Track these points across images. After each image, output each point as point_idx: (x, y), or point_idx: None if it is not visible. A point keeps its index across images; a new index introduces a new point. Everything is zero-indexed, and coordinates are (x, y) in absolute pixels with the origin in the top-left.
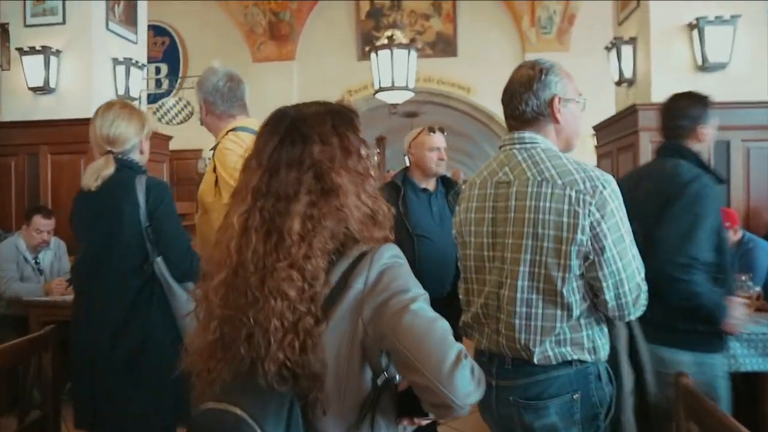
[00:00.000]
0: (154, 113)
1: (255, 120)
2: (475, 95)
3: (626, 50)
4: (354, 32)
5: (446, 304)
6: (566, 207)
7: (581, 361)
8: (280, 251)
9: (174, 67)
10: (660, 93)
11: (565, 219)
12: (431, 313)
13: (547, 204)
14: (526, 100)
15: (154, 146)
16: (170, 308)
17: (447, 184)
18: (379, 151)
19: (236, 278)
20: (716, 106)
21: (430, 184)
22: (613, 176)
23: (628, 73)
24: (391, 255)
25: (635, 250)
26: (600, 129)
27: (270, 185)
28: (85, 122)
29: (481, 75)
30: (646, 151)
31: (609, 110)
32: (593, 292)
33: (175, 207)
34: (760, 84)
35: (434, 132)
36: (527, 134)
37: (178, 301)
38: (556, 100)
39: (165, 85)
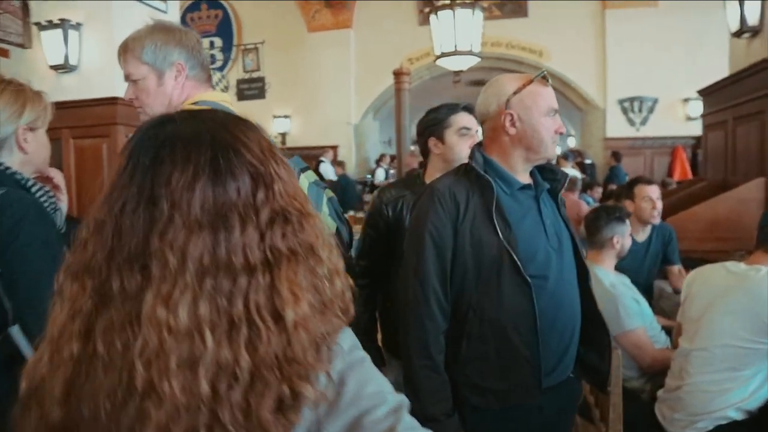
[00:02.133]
0: None
1: (225, 95)
2: (548, 59)
3: None
4: None
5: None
6: None
7: None
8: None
9: (228, 40)
10: None
11: None
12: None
13: None
14: None
15: None
16: None
17: (546, 174)
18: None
19: None
20: None
21: (526, 176)
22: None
23: (753, 20)
24: (351, 346)
25: None
26: (708, 93)
27: (189, 249)
28: (107, 102)
29: (555, 37)
30: None
31: (709, 73)
32: None
33: (50, 236)
34: None
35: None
36: None
37: None
38: None
39: (220, 57)
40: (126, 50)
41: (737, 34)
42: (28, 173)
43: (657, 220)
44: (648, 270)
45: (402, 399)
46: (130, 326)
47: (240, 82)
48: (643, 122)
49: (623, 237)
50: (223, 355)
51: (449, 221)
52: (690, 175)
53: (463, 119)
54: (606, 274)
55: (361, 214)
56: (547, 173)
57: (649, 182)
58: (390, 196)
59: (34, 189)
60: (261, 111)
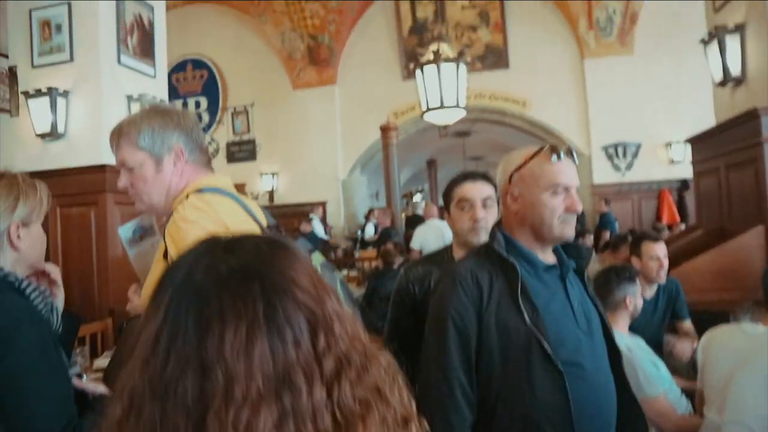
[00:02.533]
0: None
1: (227, 179)
2: (531, 109)
3: (732, 42)
4: (397, 50)
5: None
6: None
7: None
8: None
9: (213, 99)
10: None
11: None
12: None
13: None
14: None
15: None
16: None
17: (569, 251)
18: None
19: None
20: None
21: (549, 254)
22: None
23: (735, 71)
24: None
25: None
26: (697, 142)
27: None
28: (95, 170)
29: (536, 86)
30: None
31: (688, 117)
32: None
33: (47, 346)
34: None
35: (559, 157)
36: None
37: None
38: None
39: (206, 118)
40: (120, 135)
41: (721, 84)
42: (21, 272)
43: (663, 279)
44: (657, 327)
45: None
46: None
47: (230, 144)
48: (629, 167)
49: (635, 297)
50: None
51: (472, 306)
52: (677, 218)
53: (463, 190)
54: (621, 337)
55: (354, 272)
56: (570, 250)
57: (656, 239)
58: (417, 273)
59: (28, 291)
60: (248, 169)
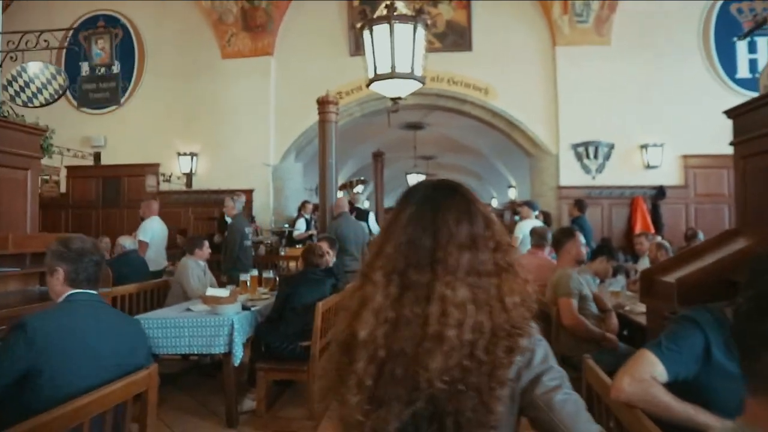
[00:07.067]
0: (6, 87)
1: None
2: (494, 98)
3: None
4: (345, 22)
5: None
6: None
7: None
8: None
9: (128, 64)
10: None
11: None
12: (576, 394)
13: None
14: None
15: (16, 144)
16: None
17: None
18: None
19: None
20: None
21: None
22: None
23: None
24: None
25: None
26: (747, 112)
27: (461, 260)
28: None
29: (501, 73)
30: None
31: (668, 122)
32: None
33: None
34: None
35: None
36: None
37: None
38: None
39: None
40: None
41: None
42: None
43: None
44: None
45: (564, 373)
46: (425, 301)
47: (86, 80)
48: (599, 170)
49: None
50: (477, 319)
51: None
52: (652, 229)
53: None
54: None
55: (270, 274)
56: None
57: None
58: None
59: None
60: (161, 149)
